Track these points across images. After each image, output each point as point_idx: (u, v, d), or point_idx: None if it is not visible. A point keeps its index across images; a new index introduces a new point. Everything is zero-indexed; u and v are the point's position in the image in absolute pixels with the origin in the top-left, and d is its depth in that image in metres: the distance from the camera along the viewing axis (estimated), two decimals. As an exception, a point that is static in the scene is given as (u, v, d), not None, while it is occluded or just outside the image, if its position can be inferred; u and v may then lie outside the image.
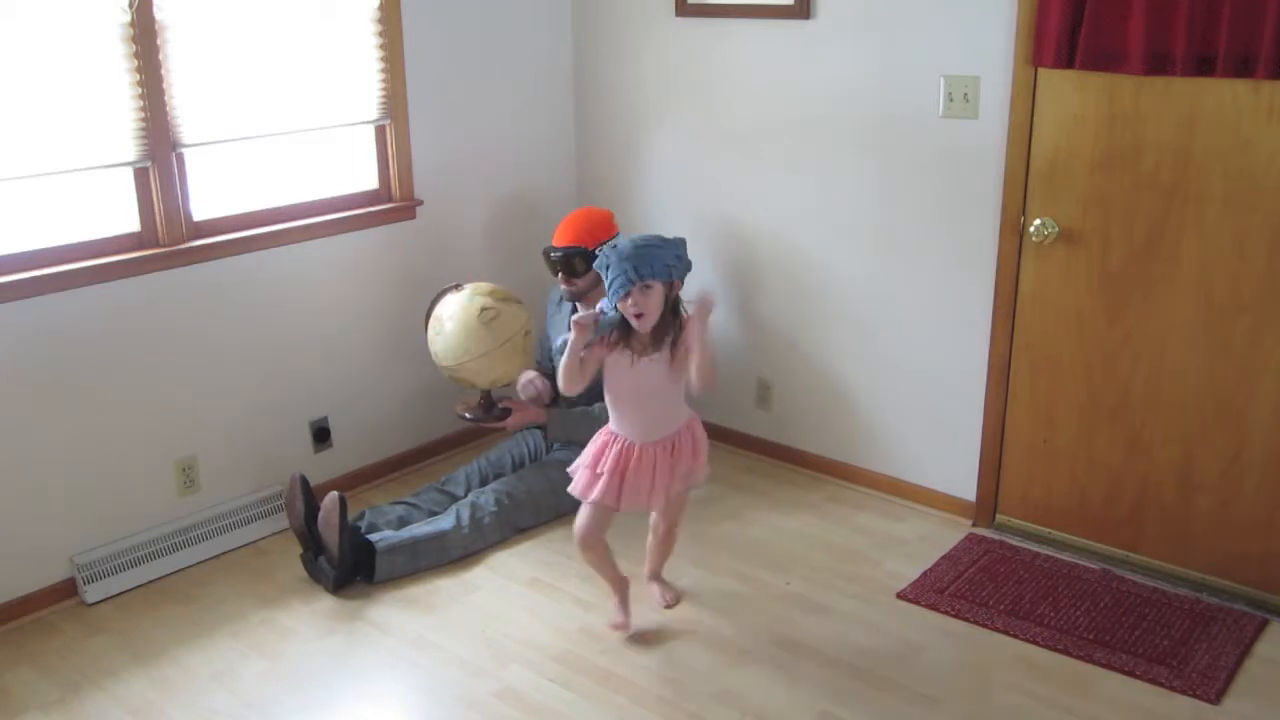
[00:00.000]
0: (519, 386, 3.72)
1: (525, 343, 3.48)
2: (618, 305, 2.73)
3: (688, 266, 2.80)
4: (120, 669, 2.93)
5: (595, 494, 2.86)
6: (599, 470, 2.87)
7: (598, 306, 2.80)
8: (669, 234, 2.75)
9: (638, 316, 2.72)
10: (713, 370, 2.80)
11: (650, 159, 4.21)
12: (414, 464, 4.14)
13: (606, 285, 2.72)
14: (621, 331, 2.79)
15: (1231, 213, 2.96)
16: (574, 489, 2.94)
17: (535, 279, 4.11)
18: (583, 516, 2.93)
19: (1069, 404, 3.36)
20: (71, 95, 3.02)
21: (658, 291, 2.72)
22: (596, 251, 3.62)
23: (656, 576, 3.22)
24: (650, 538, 3.14)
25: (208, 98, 3.31)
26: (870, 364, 3.78)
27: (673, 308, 2.80)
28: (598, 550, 2.99)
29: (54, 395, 3.13)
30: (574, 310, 3.82)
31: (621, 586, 3.05)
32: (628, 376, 2.81)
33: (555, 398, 3.85)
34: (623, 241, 2.75)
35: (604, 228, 3.69)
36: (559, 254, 3.64)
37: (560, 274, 3.67)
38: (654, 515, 3.06)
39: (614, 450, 2.86)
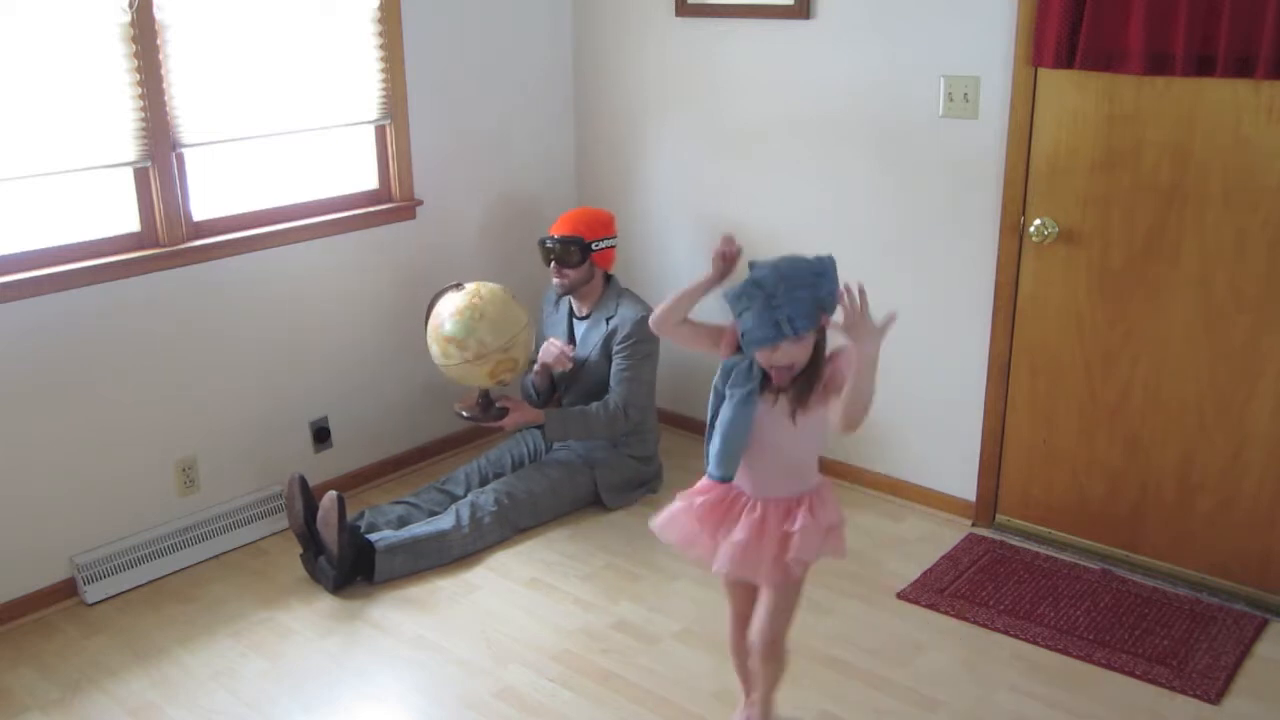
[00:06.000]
0: (541, 353, 3.72)
1: (506, 360, 3.45)
2: (756, 356, 2.19)
3: (837, 295, 2.16)
4: (120, 669, 2.93)
5: (691, 549, 2.39)
6: (695, 521, 2.35)
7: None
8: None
9: (781, 371, 2.18)
10: (865, 407, 2.16)
11: (650, 159, 4.21)
12: (414, 464, 4.13)
13: (740, 326, 2.16)
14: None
15: (1231, 213, 2.96)
16: (665, 532, 2.42)
17: (534, 279, 4.11)
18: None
19: (1069, 404, 3.36)
20: (71, 95, 3.01)
21: (811, 337, 2.18)
22: (593, 245, 3.64)
23: (761, 712, 2.53)
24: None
25: (208, 98, 3.31)
26: (870, 364, 3.77)
27: (815, 355, 2.21)
28: (734, 646, 2.54)
29: (54, 395, 3.13)
30: (571, 312, 3.83)
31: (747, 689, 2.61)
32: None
33: (554, 396, 3.86)
34: (765, 273, 2.12)
35: (604, 226, 3.69)
36: (555, 242, 3.64)
37: (554, 264, 3.67)
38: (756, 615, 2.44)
39: (714, 495, 2.35)
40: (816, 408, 2.24)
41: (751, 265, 2.17)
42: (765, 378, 2.23)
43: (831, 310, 2.16)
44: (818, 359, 2.21)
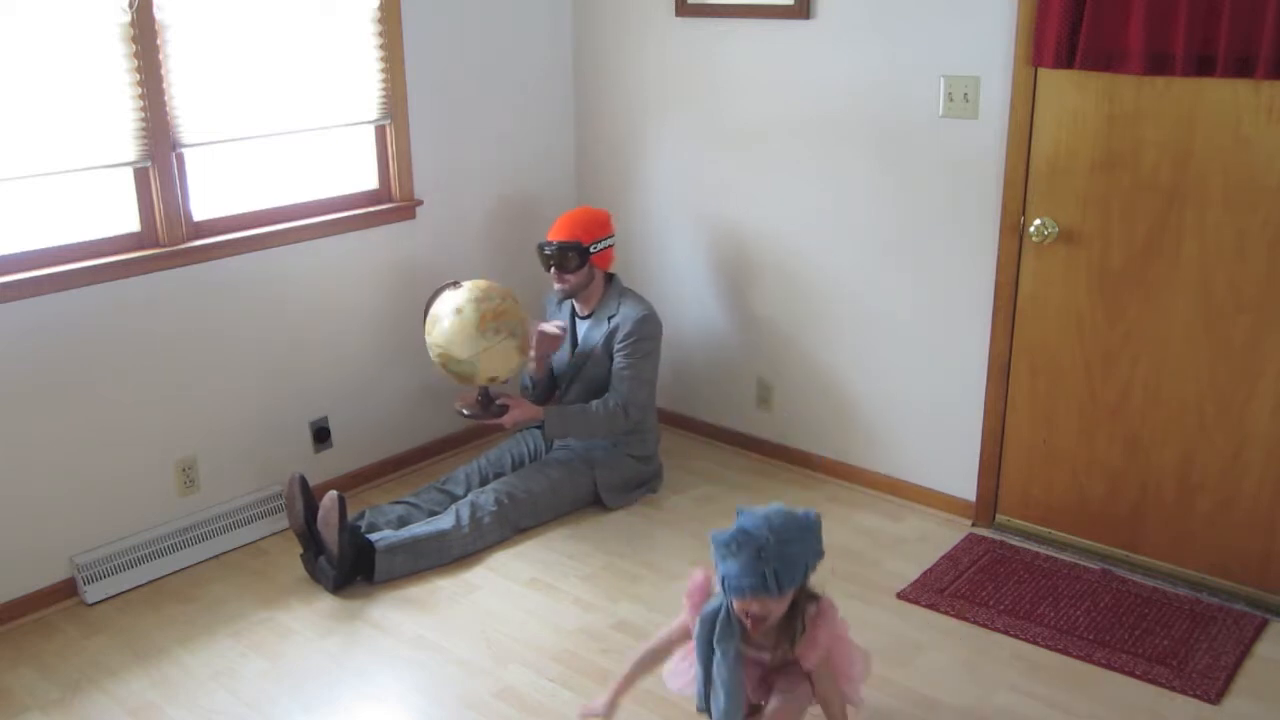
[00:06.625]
0: (535, 344, 3.66)
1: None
2: (733, 602, 2.21)
3: (822, 554, 2.25)
4: (120, 669, 2.93)
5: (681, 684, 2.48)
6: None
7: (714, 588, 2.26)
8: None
9: (756, 620, 2.20)
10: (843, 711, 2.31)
11: (650, 159, 4.21)
12: (414, 464, 4.14)
13: (721, 572, 2.16)
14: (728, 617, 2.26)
15: (1231, 213, 2.96)
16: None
17: (535, 279, 4.11)
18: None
19: (1069, 404, 3.36)
20: (71, 95, 3.01)
21: (790, 594, 2.21)
22: (591, 248, 3.64)
23: None
24: None
25: (208, 98, 3.31)
26: (870, 364, 3.78)
27: (794, 604, 2.25)
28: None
29: (54, 395, 3.13)
30: (573, 311, 3.83)
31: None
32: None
33: (553, 395, 3.86)
34: (757, 524, 2.15)
35: (601, 226, 3.70)
36: (552, 248, 3.64)
37: (553, 269, 3.67)
38: None
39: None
40: (796, 675, 2.27)
41: (739, 512, 2.20)
42: (744, 628, 2.25)
43: (814, 568, 2.22)
44: (794, 612, 2.24)
